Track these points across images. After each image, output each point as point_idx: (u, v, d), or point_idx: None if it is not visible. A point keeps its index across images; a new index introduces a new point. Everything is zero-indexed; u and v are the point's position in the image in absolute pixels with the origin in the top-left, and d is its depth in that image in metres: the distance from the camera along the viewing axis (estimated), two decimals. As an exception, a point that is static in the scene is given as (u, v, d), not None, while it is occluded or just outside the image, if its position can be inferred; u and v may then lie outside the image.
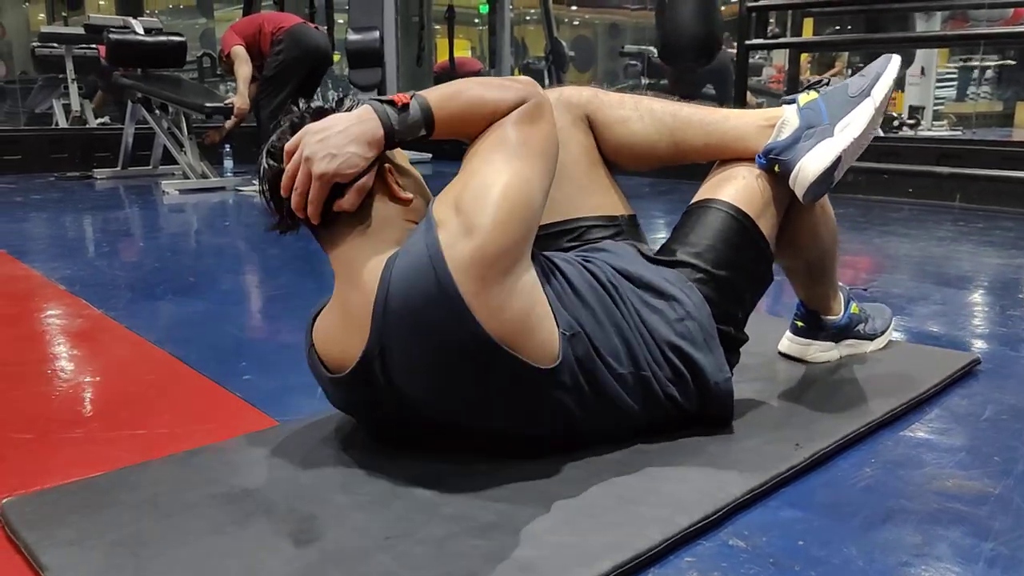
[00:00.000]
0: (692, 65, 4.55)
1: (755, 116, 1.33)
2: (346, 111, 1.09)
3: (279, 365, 1.66)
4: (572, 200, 1.32)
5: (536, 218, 1.07)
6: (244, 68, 4.65)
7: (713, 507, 1.00)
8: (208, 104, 4.84)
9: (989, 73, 12.93)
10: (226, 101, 4.82)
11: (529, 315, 1.02)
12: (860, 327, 1.60)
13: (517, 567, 0.88)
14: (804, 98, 1.31)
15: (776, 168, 1.29)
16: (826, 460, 1.18)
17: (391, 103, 1.06)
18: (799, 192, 1.27)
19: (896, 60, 1.31)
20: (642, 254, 1.27)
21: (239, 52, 4.65)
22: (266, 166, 1.13)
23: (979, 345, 1.79)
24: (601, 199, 1.34)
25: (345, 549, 0.91)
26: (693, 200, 1.32)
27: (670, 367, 1.16)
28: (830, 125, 1.26)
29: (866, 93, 1.28)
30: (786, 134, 1.28)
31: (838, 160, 1.25)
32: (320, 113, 1.11)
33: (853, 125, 1.26)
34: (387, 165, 1.11)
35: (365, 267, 1.06)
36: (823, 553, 0.95)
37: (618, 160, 1.38)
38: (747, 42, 4.07)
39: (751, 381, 1.44)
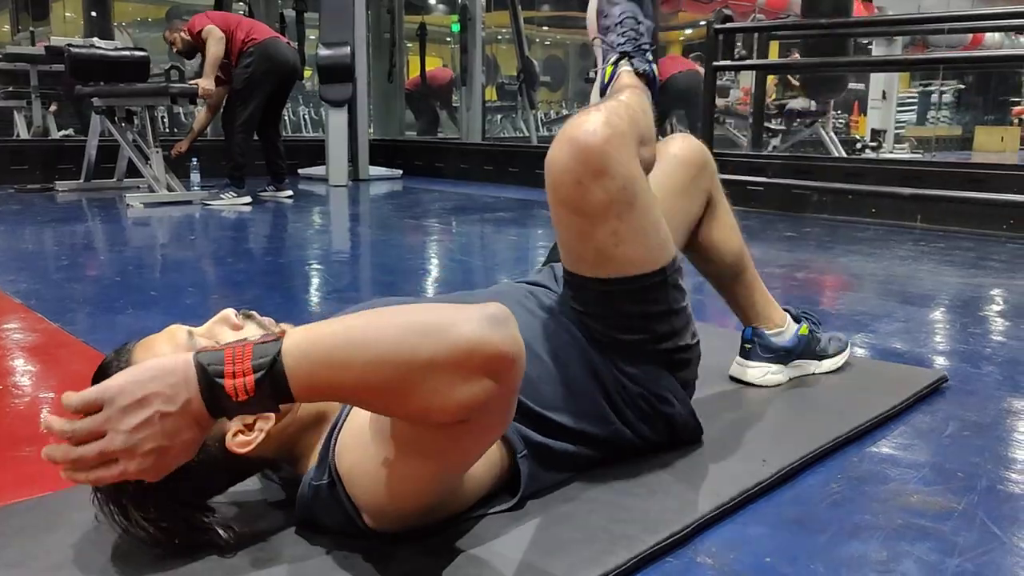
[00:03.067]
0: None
1: None
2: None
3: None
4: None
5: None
6: (217, 48, 4.59)
7: (680, 524, 0.99)
8: (173, 86, 4.79)
9: (948, 98, 13.27)
10: (190, 82, 4.77)
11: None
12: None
13: (481, 586, 0.86)
14: None
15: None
16: (793, 476, 1.18)
17: (218, 375, 0.72)
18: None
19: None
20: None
21: (214, 31, 4.60)
22: None
23: (942, 362, 1.81)
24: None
25: (298, 562, 0.89)
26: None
27: (640, 412, 1.15)
28: None
29: None
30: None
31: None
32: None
33: None
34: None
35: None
36: (790, 570, 0.94)
37: (700, 250, 1.43)
38: (715, 63, 4.12)
39: (718, 398, 1.44)
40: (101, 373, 0.85)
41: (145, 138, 5.07)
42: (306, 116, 11.77)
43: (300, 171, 6.65)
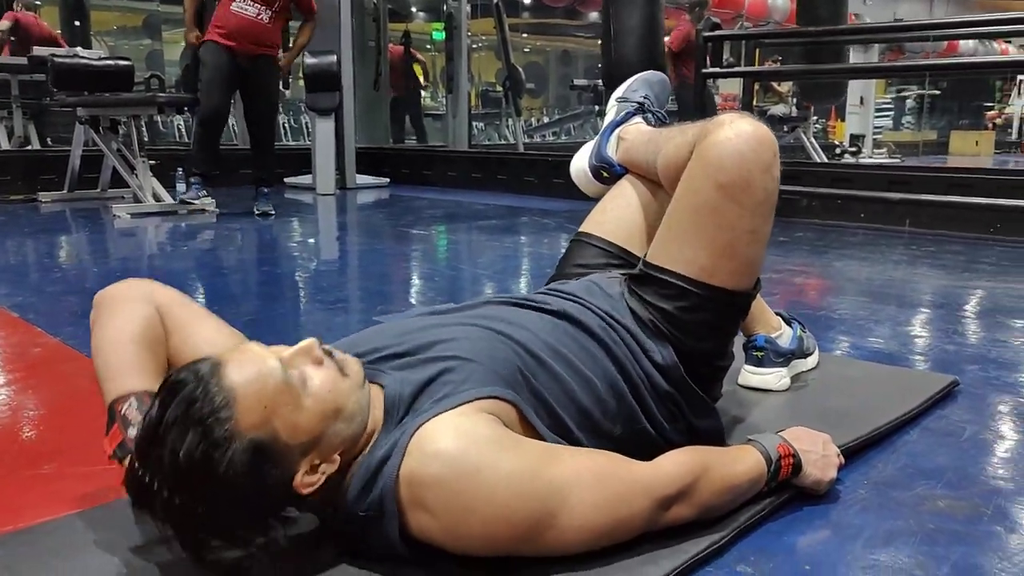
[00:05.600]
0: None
1: None
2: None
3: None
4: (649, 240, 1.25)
5: None
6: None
7: (719, 534, 0.99)
8: (160, 96, 4.73)
9: (921, 103, 13.46)
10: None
11: None
12: (802, 347, 1.62)
13: (530, 600, 0.86)
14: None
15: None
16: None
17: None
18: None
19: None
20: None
21: None
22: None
23: (949, 366, 1.82)
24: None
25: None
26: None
27: (666, 410, 1.15)
28: None
29: None
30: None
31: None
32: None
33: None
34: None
35: None
36: (831, 577, 0.95)
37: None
38: (704, 70, 4.16)
39: (731, 405, 1.44)
40: (172, 390, 0.82)
41: (130, 147, 5.02)
42: (286, 125, 11.70)
43: (286, 180, 6.60)
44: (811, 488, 1.12)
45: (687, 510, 0.97)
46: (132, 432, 0.91)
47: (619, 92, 1.51)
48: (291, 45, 5.00)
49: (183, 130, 9.01)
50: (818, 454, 1.12)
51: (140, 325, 1.06)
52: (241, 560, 0.90)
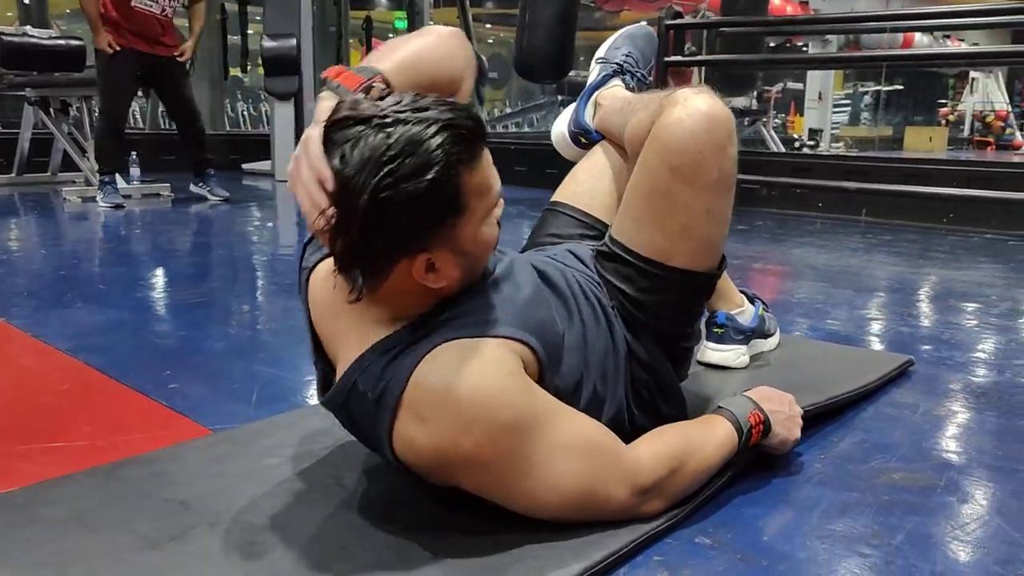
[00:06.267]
0: (545, 81, 4.65)
1: None
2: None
3: (208, 372, 1.57)
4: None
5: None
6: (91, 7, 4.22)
7: (678, 506, 0.98)
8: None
9: (877, 99, 13.71)
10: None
11: None
12: (762, 327, 1.62)
13: (486, 569, 0.84)
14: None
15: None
16: (778, 457, 1.18)
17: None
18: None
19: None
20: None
21: None
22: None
23: (905, 347, 1.85)
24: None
25: (302, 560, 0.85)
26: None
27: (640, 399, 1.13)
28: None
29: None
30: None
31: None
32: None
33: None
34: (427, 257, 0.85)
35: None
36: (788, 547, 0.95)
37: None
38: (666, 59, 4.15)
39: (691, 382, 1.43)
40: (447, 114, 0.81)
41: (82, 130, 4.88)
42: (244, 111, 11.50)
43: (244, 166, 6.49)
44: (776, 448, 1.12)
45: (661, 503, 0.97)
46: (361, 103, 0.83)
47: (601, 51, 1.48)
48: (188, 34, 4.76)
49: (137, 114, 8.80)
50: (785, 414, 1.12)
51: (446, 53, 1.07)
52: None
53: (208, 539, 0.89)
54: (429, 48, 1.05)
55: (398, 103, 0.81)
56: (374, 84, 0.93)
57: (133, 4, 4.26)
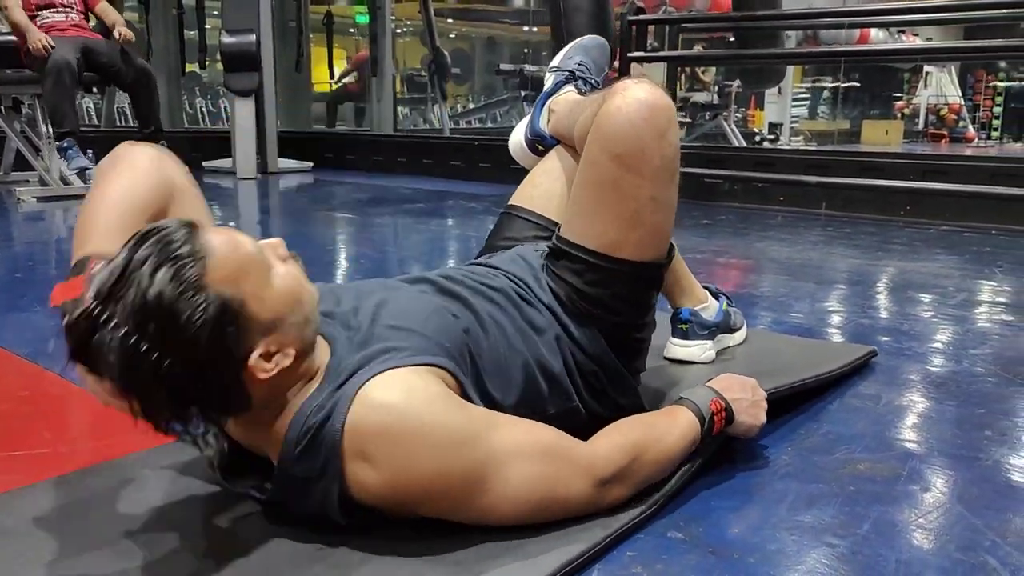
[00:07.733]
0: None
1: None
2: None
3: (171, 377, 1.54)
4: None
5: None
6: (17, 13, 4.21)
7: (650, 500, 0.99)
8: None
9: (836, 93, 13.94)
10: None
11: None
12: (728, 321, 1.63)
13: (460, 569, 0.84)
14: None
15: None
16: (744, 449, 1.20)
17: None
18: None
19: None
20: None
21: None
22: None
23: (867, 338, 1.88)
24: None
25: (276, 562, 0.85)
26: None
27: (592, 389, 1.14)
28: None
29: None
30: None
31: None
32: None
33: None
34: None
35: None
36: (757, 539, 0.96)
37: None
38: (629, 55, 4.18)
39: (655, 377, 1.44)
40: (147, 235, 0.79)
41: (35, 128, 4.76)
42: (203, 108, 11.31)
43: (205, 163, 6.39)
44: (742, 435, 1.14)
45: (624, 490, 0.97)
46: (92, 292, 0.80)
47: (555, 61, 1.50)
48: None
49: (93, 112, 8.61)
50: (748, 400, 1.13)
51: (145, 192, 1.01)
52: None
53: (177, 544, 0.88)
54: (123, 195, 1.00)
55: (99, 290, 0.76)
56: (93, 275, 0.81)
57: (39, 24, 4.29)
